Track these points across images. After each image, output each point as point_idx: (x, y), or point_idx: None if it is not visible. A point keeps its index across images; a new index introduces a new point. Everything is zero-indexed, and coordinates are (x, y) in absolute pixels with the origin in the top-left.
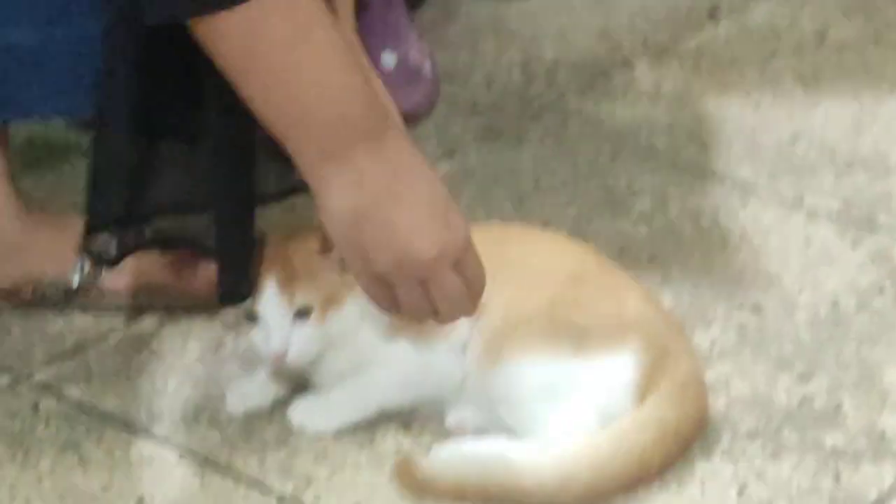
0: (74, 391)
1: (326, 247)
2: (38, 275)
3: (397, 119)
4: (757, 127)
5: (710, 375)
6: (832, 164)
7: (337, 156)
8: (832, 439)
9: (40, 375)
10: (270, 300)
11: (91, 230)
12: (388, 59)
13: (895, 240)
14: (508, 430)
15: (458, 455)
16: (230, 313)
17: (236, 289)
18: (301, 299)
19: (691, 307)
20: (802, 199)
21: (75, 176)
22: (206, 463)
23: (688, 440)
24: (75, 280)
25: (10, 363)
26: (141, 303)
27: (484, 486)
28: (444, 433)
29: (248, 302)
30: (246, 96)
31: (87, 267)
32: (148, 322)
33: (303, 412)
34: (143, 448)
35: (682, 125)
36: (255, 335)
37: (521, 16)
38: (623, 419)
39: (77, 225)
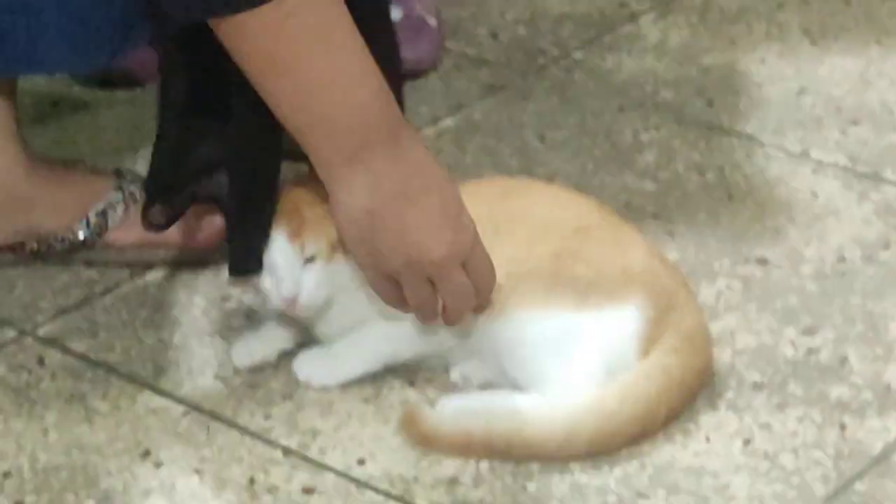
0: (80, 345)
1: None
2: (45, 228)
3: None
4: (763, 81)
5: (716, 328)
6: (838, 118)
7: (355, 157)
8: (837, 392)
9: (46, 329)
10: (280, 248)
11: (149, 201)
12: (394, 12)
13: None
14: (513, 384)
15: (464, 408)
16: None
17: (246, 263)
18: (310, 247)
19: (697, 261)
20: (808, 153)
21: (78, 130)
22: (212, 416)
23: (693, 391)
24: (81, 234)
25: (15, 317)
26: (146, 257)
27: (489, 439)
28: (449, 387)
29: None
30: (266, 96)
31: (94, 220)
32: (153, 276)
33: (308, 365)
34: (149, 401)
35: (688, 79)
36: (265, 282)
37: None
38: (628, 371)
39: (84, 179)
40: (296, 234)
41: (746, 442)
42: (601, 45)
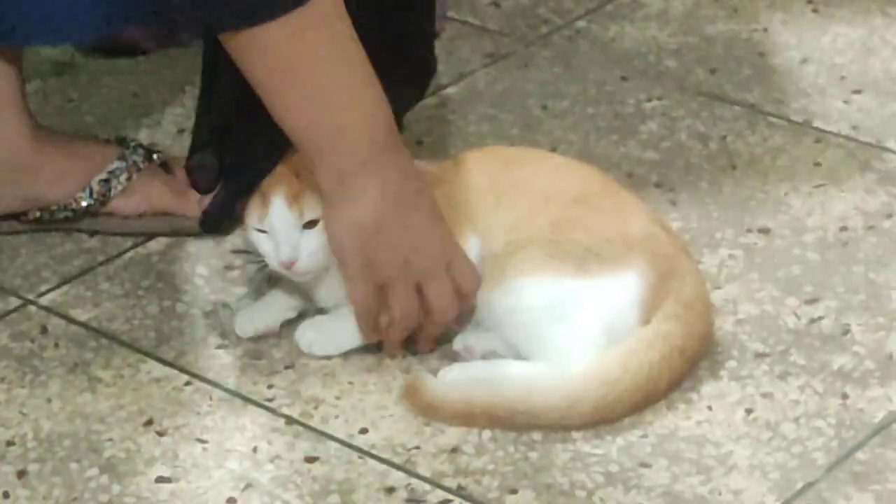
0: (83, 313)
1: None
2: (49, 196)
3: None
4: (766, 50)
5: (718, 298)
6: (841, 87)
7: (366, 166)
8: (839, 361)
9: (49, 298)
10: (280, 213)
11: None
12: None
13: None
14: (515, 353)
15: (466, 376)
16: (239, 237)
17: (217, 222)
18: (309, 213)
19: (699, 230)
20: (811, 122)
21: (81, 99)
22: (215, 385)
23: (694, 359)
24: (84, 202)
25: (18, 285)
26: (149, 226)
27: (492, 408)
28: (452, 357)
29: (254, 221)
30: (277, 108)
31: (96, 189)
32: (156, 245)
33: (310, 334)
34: (152, 370)
35: (691, 48)
36: (266, 246)
37: None
38: (630, 338)
39: (87, 148)
40: (295, 200)
41: (748, 411)
42: (604, 13)
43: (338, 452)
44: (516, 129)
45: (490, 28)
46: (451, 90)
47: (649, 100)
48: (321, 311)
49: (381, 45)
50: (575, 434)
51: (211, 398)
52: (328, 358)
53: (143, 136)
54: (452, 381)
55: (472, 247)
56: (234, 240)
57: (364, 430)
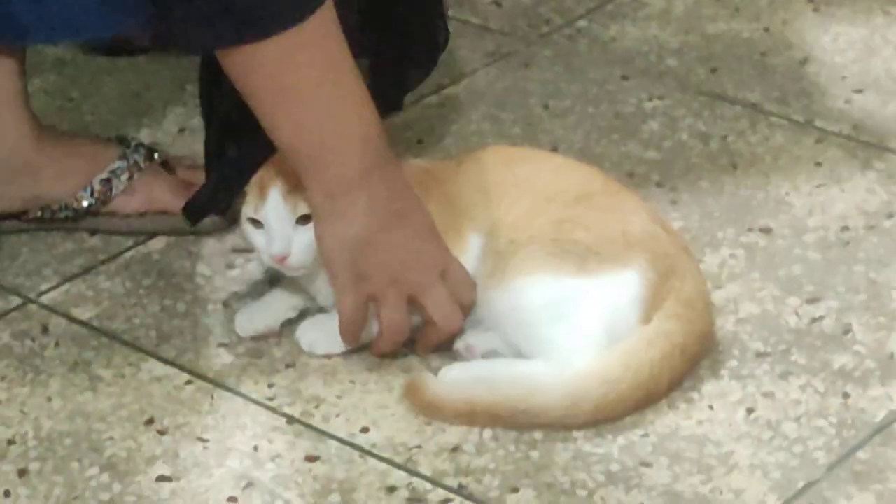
0: (84, 312)
1: None
2: (50, 196)
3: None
4: (767, 49)
5: (720, 297)
6: (842, 87)
7: (357, 184)
8: (840, 361)
9: (50, 296)
10: (274, 207)
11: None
12: None
13: None
14: (516, 352)
15: (467, 375)
16: (240, 236)
17: (200, 213)
18: (303, 206)
19: (700, 229)
20: (812, 122)
21: (82, 98)
22: (216, 384)
23: (695, 358)
24: (85, 202)
25: (19, 284)
26: (149, 225)
27: (493, 407)
28: (453, 356)
29: (250, 210)
30: (270, 125)
31: (97, 188)
32: (157, 243)
33: (311, 333)
34: (153, 369)
35: (692, 47)
36: (259, 239)
37: None
38: (631, 337)
39: (89, 147)
40: (290, 193)
41: (749, 410)
42: (605, 13)
43: (339, 451)
44: (517, 129)
45: (491, 27)
46: (452, 89)
47: (650, 99)
48: (322, 311)
49: (390, 20)
50: (576, 433)
51: (212, 397)
52: (329, 357)
53: (144, 136)
54: (453, 380)
55: (473, 245)
56: (235, 239)
57: (365, 429)
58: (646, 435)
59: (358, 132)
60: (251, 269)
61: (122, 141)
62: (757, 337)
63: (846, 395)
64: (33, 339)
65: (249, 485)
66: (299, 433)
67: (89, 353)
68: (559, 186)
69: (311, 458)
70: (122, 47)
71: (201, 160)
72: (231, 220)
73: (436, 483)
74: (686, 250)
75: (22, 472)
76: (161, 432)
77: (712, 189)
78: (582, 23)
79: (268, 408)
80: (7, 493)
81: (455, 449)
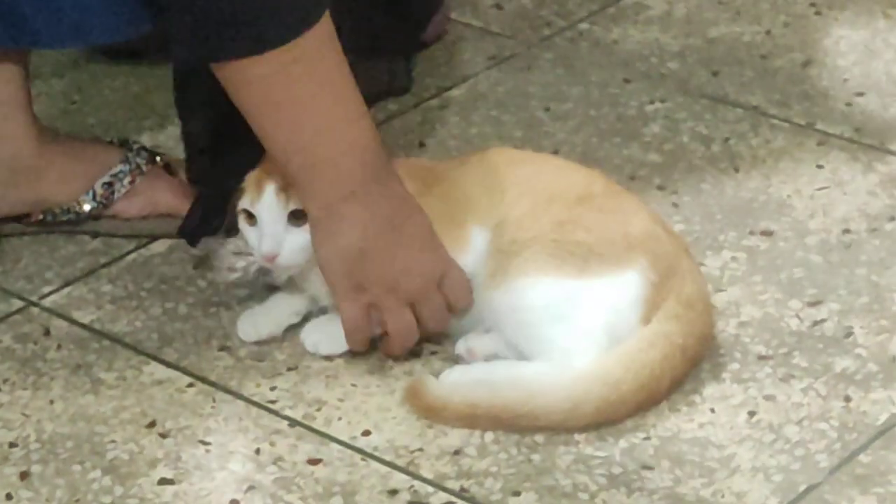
0: (86, 315)
1: None
2: (52, 199)
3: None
4: (769, 52)
5: (721, 300)
6: (844, 90)
7: (352, 196)
8: (842, 364)
9: (52, 299)
10: (268, 204)
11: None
12: None
13: None
14: (518, 356)
15: (468, 378)
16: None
17: (193, 238)
18: (294, 202)
19: (702, 232)
20: (814, 125)
21: (84, 102)
22: (217, 387)
23: (695, 358)
24: (87, 205)
25: (21, 287)
26: (151, 228)
27: (494, 409)
28: (455, 358)
29: (246, 202)
30: (266, 136)
31: (99, 192)
32: (159, 247)
33: (316, 334)
34: (155, 372)
35: (694, 50)
36: (251, 236)
37: None
38: (631, 338)
39: (91, 151)
40: (283, 188)
41: (751, 414)
42: (606, 15)
43: (340, 454)
44: (519, 132)
45: (493, 30)
46: (453, 92)
47: (652, 102)
48: (323, 311)
49: None
50: (577, 436)
51: (214, 400)
52: (331, 359)
53: (146, 139)
54: (454, 382)
55: (476, 238)
56: (237, 242)
57: (367, 433)
58: (647, 438)
59: (353, 146)
60: (253, 272)
61: (125, 144)
62: (758, 340)
63: (848, 399)
64: (35, 342)
65: (251, 488)
66: (301, 436)
67: (91, 356)
68: (561, 187)
69: (313, 461)
70: (125, 50)
71: None
72: (229, 230)
73: (437, 486)
74: (686, 252)
75: (24, 475)
76: (163, 435)
77: (714, 192)
78: (583, 25)
79: (270, 411)
80: (9, 497)
81: (457, 452)
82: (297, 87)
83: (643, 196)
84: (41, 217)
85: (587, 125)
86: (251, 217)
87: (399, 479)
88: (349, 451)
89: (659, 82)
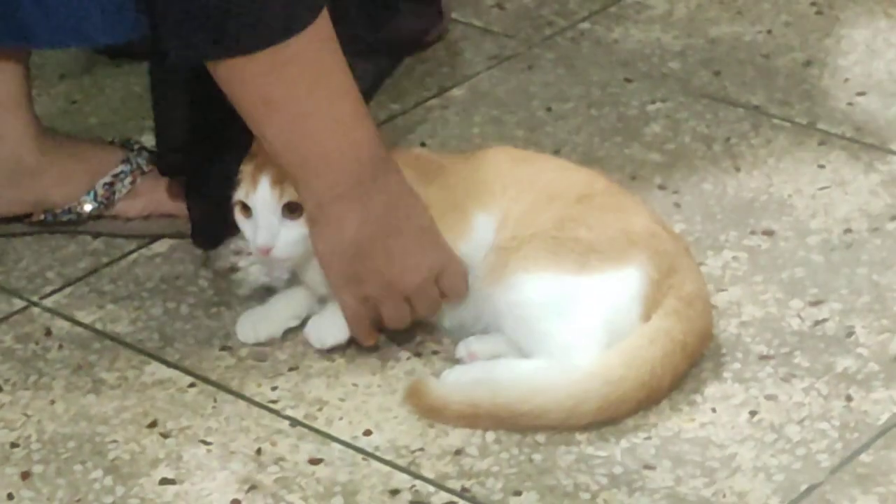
0: (87, 315)
1: None
2: (53, 199)
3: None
4: (770, 51)
5: (722, 300)
6: (845, 89)
7: (348, 194)
8: (844, 363)
9: (53, 299)
10: (263, 196)
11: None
12: None
13: None
14: (519, 355)
15: (468, 377)
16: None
17: (209, 237)
18: (288, 194)
19: (703, 232)
20: (815, 124)
21: (85, 102)
22: (219, 387)
23: (695, 356)
24: (88, 205)
25: (22, 287)
26: (152, 228)
27: (495, 408)
28: (456, 360)
29: (242, 194)
30: (261, 134)
31: (100, 192)
32: (160, 247)
33: (318, 328)
34: (156, 372)
35: (695, 50)
36: (247, 228)
37: None
38: (631, 336)
39: (92, 151)
40: (277, 181)
41: (752, 413)
42: (608, 15)
43: (342, 454)
44: (520, 131)
45: (494, 30)
46: (455, 92)
47: (653, 102)
48: (323, 303)
49: None
50: (579, 436)
51: (215, 400)
52: (332, 360)
53: (147, 139)
54: (455, 382)
55: (480, 223)
56: (237, 242)
57: (368, 432)
58: (648, 437)
59: (350, 145)
60: (254, 272)
61: (126, 144)
62: (760, 340)
63: (849, 398)
64: (36, 342)
65: (253, 488)
66: (302, 436)
67: (92, 356)
68: (562, 186)
69: (314, 461)
70: (125, 51)
71: None
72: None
73: (439, 486)
74: (686, 250)
75: (25, 475)
76: (164, 435)
77: (715, 191)
78: (584, 25)
79: (271, 410)
80: (10, 496)
81: (458, 452)
82: (290, 87)
83: (644, 196)
84: (42, 217)
85: (588, 125)
86: (246, 209)
87: (400, 479)
88: (350, 451)
89: (660, 82)
